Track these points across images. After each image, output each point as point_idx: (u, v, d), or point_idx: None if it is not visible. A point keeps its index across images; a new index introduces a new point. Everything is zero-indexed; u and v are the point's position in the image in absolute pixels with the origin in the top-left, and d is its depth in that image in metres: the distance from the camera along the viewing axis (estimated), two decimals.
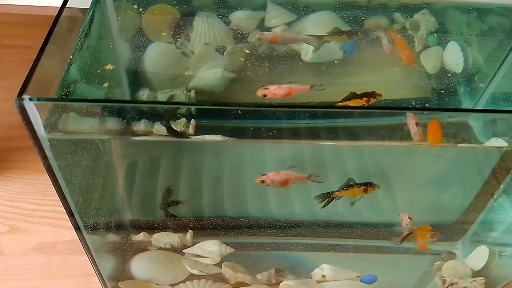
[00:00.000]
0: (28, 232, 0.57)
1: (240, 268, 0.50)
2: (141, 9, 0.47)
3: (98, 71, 0.39)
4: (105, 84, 0.37)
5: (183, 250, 0.49)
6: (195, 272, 0.49)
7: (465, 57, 0.48)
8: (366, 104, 0.40)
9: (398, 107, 0.43)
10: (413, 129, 0.37)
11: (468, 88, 0.49)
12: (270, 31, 0.48)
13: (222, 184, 0.51)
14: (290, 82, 0.40)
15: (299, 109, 0.35)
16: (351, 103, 0.40)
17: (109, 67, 0.39)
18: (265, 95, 0.38)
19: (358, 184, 0.44)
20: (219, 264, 0.49)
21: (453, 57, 0.49)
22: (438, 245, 0.56)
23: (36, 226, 0.57)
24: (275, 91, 0.38)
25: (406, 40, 0.50)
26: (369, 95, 0.41)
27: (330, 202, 0.44)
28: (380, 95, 0.41)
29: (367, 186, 0.44)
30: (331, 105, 0.39)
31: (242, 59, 0.46)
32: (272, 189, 0.52)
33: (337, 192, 0.44)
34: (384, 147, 0.48)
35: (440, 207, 0.55)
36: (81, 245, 0.42)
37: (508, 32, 0.51)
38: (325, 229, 0.53)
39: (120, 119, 0.34)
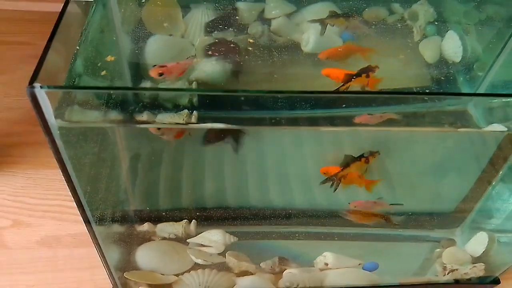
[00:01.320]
0: (31, 226, 0.57)
1: (244, 257, 0.50)
2: (142, 1, 0.47)
3: (102, 63, 0.39)
4: (103, 72, 0.38)
5: (187, 240, 0.50)
6: (199, 261, 0.49)
7: (464, 46, 0.49)
8: (367, 79, 0.40)
9: (404, 92, 0.43)
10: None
11: (467, 77, 0.49)
12: (270, 22, 0.49)
13: (225, 174, 0.52)
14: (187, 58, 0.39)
15: (307, 95, 0.35)
16: (355, 82, 0.40)
17: (109, 58, 0.39)
18: (161, 74, 0.38)
19: (358, 158, 0.44)
20: (223, 253, 0.50)
21: (452, 46, 0.49)
22: (438, 232, 0.57)
23: (40, 220, 0.58)
24: (172, 69, 0.38)
25: (406, 30, 0.50)
26: (366, 70, 0.41)
27: (339, 184, 0.44)
28: (377, 66, 0.41)
29: (367, 156, 0.44)
30: (343, 91, 0.39)
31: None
32: (274, 179, 0.52)
33: (341, 173, 0.44)
34: (384, 135, 0.49)
35: (440, 194, 0.55)
36: (85, 238, 0.43)
37: (506, 20, 0.51)
38: (327, 217, 0.53)
39: (126, 107, 0.34)
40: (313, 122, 0.38)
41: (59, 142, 0.32)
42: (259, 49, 0.46)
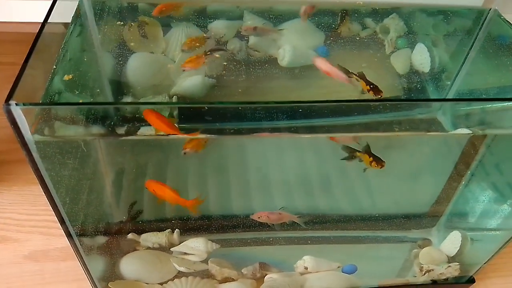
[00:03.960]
0: (19, 241, 0.58)
1: (226, 263, 0.51)
2: (122, 22, 0.49)
3: (80, 81, 0.41)
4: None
5: (170, 249, 0.51)
6: (182, 269, 0.50)
7: (432, 57, 0.51)
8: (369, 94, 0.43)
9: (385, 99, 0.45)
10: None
11: (435, 86, 0.51)
12: (247, 39, 0.51)
13: (207, 183, 0.53)
14: None
15: (284, 105, 0.36)
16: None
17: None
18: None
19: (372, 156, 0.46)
20: (205, 261, 0.51)
21: (421, 57, 0.51)
22: (415, 233, 0.58)
23: (27, 235, 0.58)
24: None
25: (377, 43, 0.53)
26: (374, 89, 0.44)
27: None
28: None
29: (376, 161, 0.46)
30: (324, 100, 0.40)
31: (221, 66, 0.48)
32: (254, 186, 0.54)
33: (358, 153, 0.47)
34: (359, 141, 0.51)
35: (415, 195, 0.57)
36: (72, 251, 0.44)
37: (468, 31, 0.54)
38: (307, 221, 0.55)
39: (105, 122, 0.36)
40: (291, 131, 0.40)
41: (36, 156, 0.33)
42: (237, 64, 0.48)
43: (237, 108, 0.37)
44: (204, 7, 0.52)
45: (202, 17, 0.52)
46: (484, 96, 0.50)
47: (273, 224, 0.50)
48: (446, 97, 0.52)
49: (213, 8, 0.52)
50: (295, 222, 0.50)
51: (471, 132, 0.44)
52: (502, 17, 0.51)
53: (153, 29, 0.50)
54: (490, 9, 0.53)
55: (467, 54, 0.53)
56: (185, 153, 0.45)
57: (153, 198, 0.52)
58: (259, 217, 0.48)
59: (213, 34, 0.51)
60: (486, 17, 0.53)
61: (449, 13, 0.54)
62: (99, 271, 0.50)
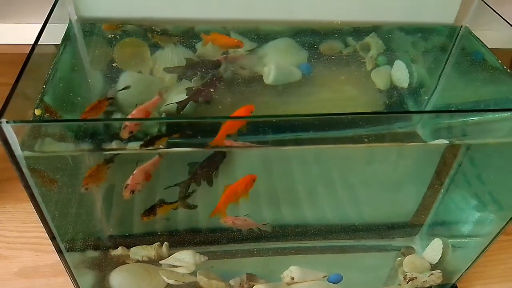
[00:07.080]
0: (9, 258, 0.58)
1: (214, 275, 0.52)
2: (110, 42, 0.51)
3: (69, 100, 0.42)
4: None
5: (159, 262, 0.52)
6: (171, 282, 0.51)
7: (411, 73, 0.53)
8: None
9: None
10: None
11: (414, 101, 0.53)
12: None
13: (194, 196, 0.54)
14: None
15: (269, 119, 0.38)
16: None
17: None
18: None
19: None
20: (194, 273, 0.52)
21: (400, 74, 0.53)
22: (398, 241, 0.59)
23: (18, 252, 0.59)
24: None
25: (358, 60, 0.55)
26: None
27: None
28: None
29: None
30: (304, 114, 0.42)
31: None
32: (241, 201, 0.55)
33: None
34: (343, 153, 0.52)
35: (397, 204, 0.58)
36: (63, 267, 0.44)
37: (442, 48, 0.57)
38: (292, 233, 0.56)
39: (95, 138, 0.37)
40: (272, 144, 0.41)
41: (26, 172, 0.35)
42: (224, 82, 0.50)
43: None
44: (192, 27, 0.55)
45: (189, 38, 0.53)
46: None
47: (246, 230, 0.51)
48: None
49: (201, 28, 0.54)
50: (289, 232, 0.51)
51: (448, 142, 0.46)
52: (472, 34, 0.54)
53: (141, 49, 0.52)
54: (462, 26, 0.55)
55: (442, 70, 0.55)
56: (86, 189, 0.46)
57: (141, 212, 0.54)
58: (225, 221, 0.50)
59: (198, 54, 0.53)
60: (458, 34, 0.55)
61: (425, 30, 0.57)
62: (89, 286, 0.50)
